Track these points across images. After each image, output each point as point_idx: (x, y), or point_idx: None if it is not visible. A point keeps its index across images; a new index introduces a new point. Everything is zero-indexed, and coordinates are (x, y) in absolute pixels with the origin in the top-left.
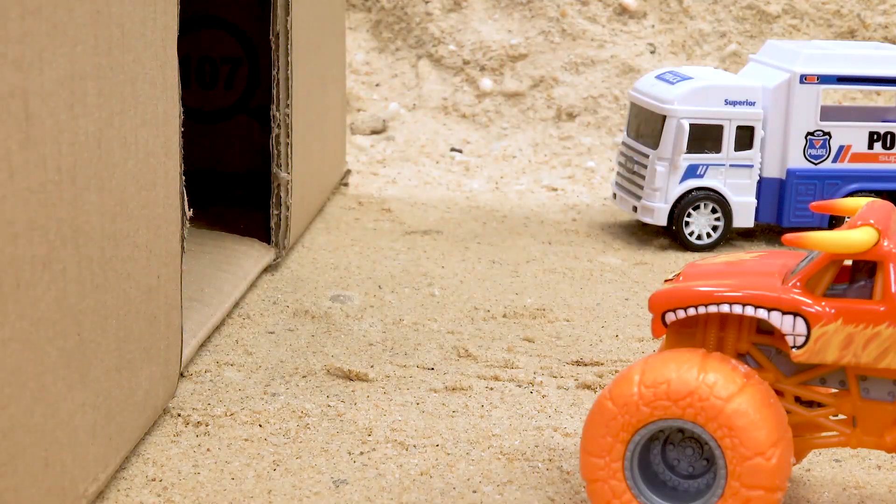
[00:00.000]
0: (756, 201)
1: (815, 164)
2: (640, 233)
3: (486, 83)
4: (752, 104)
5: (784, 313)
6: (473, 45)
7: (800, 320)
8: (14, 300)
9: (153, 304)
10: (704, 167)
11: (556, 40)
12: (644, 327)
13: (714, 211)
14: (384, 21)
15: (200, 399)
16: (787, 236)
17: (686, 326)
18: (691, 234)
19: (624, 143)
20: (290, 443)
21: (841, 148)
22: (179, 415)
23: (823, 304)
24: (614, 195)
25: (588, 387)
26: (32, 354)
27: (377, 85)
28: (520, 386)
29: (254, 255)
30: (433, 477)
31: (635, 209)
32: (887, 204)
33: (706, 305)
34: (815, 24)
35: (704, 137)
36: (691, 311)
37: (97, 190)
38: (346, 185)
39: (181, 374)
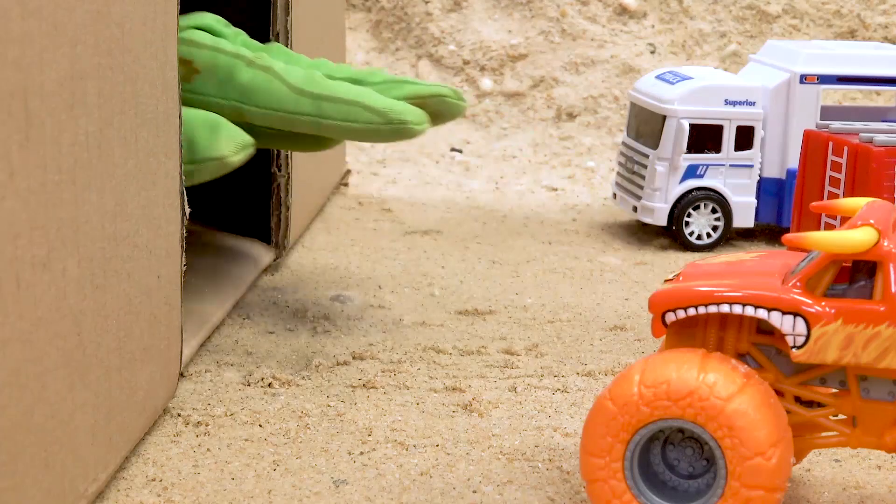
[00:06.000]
0: (756, 201)
1: None
2: (640, 233)
3: (486, 83)
4: (752, 104)
5: (784, 313)
6: (473, 45)
7: (800, 320)
8: (14, 300)
9: (153, 304)
10: (704, 167)
11: (556, 40)
12: (644, 327)
13: (714, 211)
14: (384, 21)
15: (200, 399)
16: (787, 236)
17: (686, 326)
18: (691, 234)
19: (624, 143)
20: (290, 443)
21: None
22: (179, 415)
23: (823, 304)
24: (614, 195)
25: (588, 387)
26: (32, 354)
27: None
28: (520, 386)
29: (254, 255)
30: (433, 477)
31: (635, 209)
32: (887, 204)
33: (706, 305)
34: (815, 24)
35: (704, 137)
36: (691, 312)
37: (97, 190)
38: (346, 185)
39: (181, 374)
